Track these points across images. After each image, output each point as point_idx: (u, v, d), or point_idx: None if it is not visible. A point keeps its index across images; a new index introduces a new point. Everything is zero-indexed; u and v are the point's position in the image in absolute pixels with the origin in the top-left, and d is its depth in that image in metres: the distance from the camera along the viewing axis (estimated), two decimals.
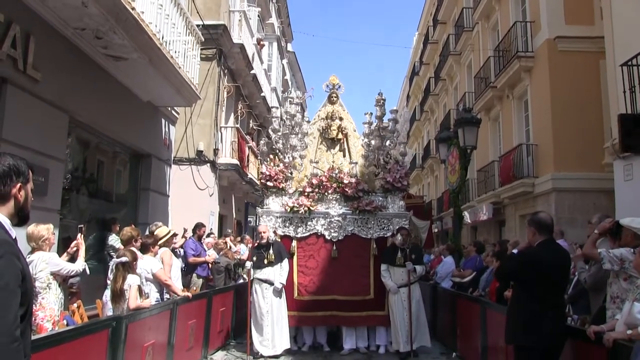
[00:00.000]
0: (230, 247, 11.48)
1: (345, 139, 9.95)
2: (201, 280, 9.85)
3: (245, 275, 9.81)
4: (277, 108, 10.57)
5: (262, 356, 7.92)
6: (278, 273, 8.15)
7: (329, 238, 8.81)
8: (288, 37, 30.18)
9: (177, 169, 13.41)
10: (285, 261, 8.29)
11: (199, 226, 10.39)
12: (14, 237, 2.16)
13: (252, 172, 17.35)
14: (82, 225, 6.23)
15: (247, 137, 17.06)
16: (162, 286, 6.60)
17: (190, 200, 13.31)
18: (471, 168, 17.51)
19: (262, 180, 9.11)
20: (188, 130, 14.05)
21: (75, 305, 6.37)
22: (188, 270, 9.76)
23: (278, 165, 9.08)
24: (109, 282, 5.91)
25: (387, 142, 9.37)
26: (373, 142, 9.39)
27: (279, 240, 8.64)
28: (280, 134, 9.42)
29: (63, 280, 5.41)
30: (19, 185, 2.18)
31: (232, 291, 9.25)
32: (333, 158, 9.78)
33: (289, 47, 30.97)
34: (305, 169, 9.55)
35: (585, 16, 14.50)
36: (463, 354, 7.99)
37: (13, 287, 1.98)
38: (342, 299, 8.51)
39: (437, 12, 30.06)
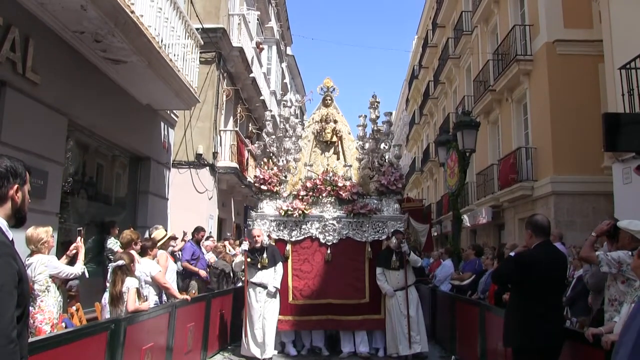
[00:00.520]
0: (229, 250, 11.48)
1: (339, 141, 9.89)
2: (196, 283, 9.84)
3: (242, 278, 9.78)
4: (270, 111, 10.58)
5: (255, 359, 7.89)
6: (272, 277, 8.13)
7: (323, 241, 8.79)
8: (287, 40, 30.22)
9: (177, 172, 13.42)
10: (279, 265, 8.26)
11: (198, 230, 10.38)
12: (11, 239, 2.16)
13: (252, 176, 17.34)
14: (81, 228, 6.23)
15: (247, 141, 17.07)
16: (161, 289, 6.60)
17: (189, 203, 13.31)
18: (470, 171, 17.54)
19: (256, 184, 9.10)
20: (187, 133, 14.06)
21: (74, 308, 6.38)
22: (186, 274, 9.77)
23: (272, 169, 9.07)
24: (107, 285, 5.91)
25: (382, 145, 9.35)
26: (367, 144, 9.39)
27: (274, 244, 8.62)
28: (274, 137, 9.41)
29: (62, 283, 5.41)
30: (16, 186, 2.18)
31: (230, 294, 9.24)
32: (327, 161, 9.74)
33: (289, 51, 31.00)
34: (299, 172, 9.52)
35: (584, 20, 14.54)
36: (462, 356, 7.98)
37: (9, 288, 1.98)
38: (338, 302, 8.49)
39: (436, 16, 30.12)
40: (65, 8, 6.51)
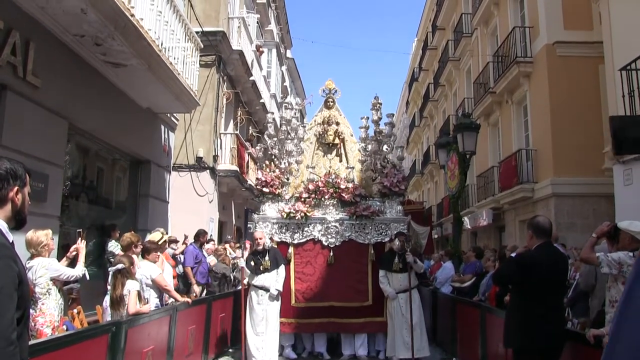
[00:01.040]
0: (230, 253, 11.48)
1: (342, 143, 9.84)
2: (200, 287, 9.84)
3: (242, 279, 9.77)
4: (272, 113, 10.55)
5: None
6: (274, 279, 8.07)
7: (326, 244, 8.72)
8: (287, 43, 30.26)
9: (177, 175, 13.44)
10: (282, 267, 8.20)
11: (201, 233, 10.39)
12: (11, 241, 2.16)
13: (252, 179, 17.34)
14: (80, 230, 6.19)
15: (247, 144, 17.08)
16: (162, 292, 6.60)
17: (189, 206, 13.32)
18: (471, 174, 17.54)
19: (258, 186, 9.04)
20: (187, 136, 14.08)
21: (75, 310, 6.37)
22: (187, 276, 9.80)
23: (274, 171, 9.01)
24: (109, 288, 5.90)
25: (384, 147, 9.29)
26: (370, 146, 9.32)
27: (276, 246, 8.55)
28: (276, 139, 9.34)
29: (63, 285, 5.41)
30: (16, 188, 2.19)
31: (231, 297, 9.23)
32: (330, 163, 9.69)
33: (288, 54, 31.04)
34: (301, 174, 9.46)
35: (584, 21, 14.55)
36: (463, 359, 7.97)
37: (9, 291, 1.98)
38: (340, 305, 8.41)
39: (436, 18, 30.17)
40: (65, 11, 6.53)
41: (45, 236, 5.16)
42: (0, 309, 1.93)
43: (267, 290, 8.01)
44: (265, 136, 9.71)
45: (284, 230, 8.81)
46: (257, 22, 19.29)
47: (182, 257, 10.68)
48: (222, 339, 8.59)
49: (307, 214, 8.73)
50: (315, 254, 8.72)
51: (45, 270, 5.06)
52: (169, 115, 11.74)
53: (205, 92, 14.03)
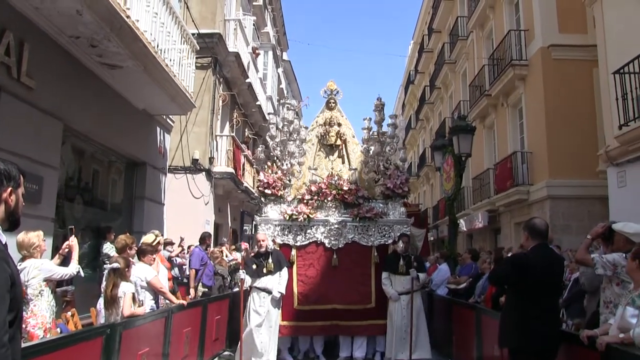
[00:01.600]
0: (226, 255, 11.47)
1: (344, 145, 9.80)
2: (206, 289, 9.89)
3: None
4: (274, 114, 10.49)
5: None
6: (277, 282, 8.00)
7: (329, 246, 8.64)
8: (283, 46, 30.28)
9: (173, 177, 13.41)
10: (285, 270, 8.13)
11: (207, 236, 10.44)
12: (4, 243, 2.15)
13: (248, 181, 17.34)
14: (72, 226, 6.02)
15: (243, 146, 17.06)
16: (157, 294, 6.57)
17: (185, 208, 13.29)
18: (466, 176, 17.56)
19: (260, 188, 8.95)
20: (183, 138, 14.06)
21: (69, 313, 6.35)
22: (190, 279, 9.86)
23: (276, 173, 8.93)
24: (104, 292, 5.87)
25: (387, 148, 9.21)
26: (372, 148, 9.24)
27: (278, 248, 8.49)
28: (278, 140, 9.26)
29: (56, 287, 5.37)
30: (9, 189, 2.17)
31: (227, 299, 9.20)
32: (332, 165, 9.64)
33: (285, 56, 31.05)
34: (303, 176, 9.39)
35: (578, 25, 14.61)
36: None
37: (2, 292, 1.97)
38: (343, 308, 8.36)
39: (432, 21, 30.23)
40: (60, 12, 6.51)
41: (37, 237, 5.12)
42: None
43: (269, 292, 7.95)
44: (267, 137, 9.62)
45: (286, 233, 8.74)
46: (254, 24, 19.29)
47: (177, 259, 10.70)
48: (217, 341, 8.55)
49: (310, 215, 8.66)
50: (318, 256, 8.66)
51: (38, 272, 5.02)
52: (164, 117, 11.72)
53: (201, 94, 14.01)
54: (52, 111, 7.16)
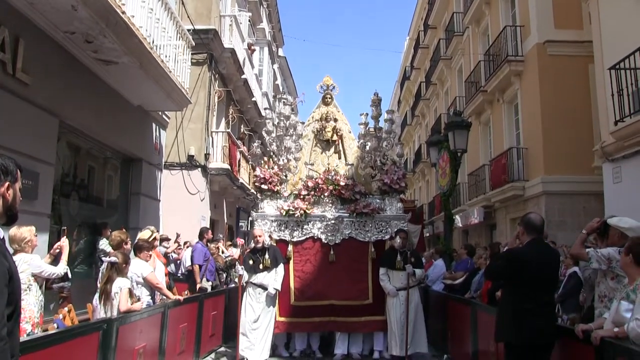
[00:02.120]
0: (222, 252, 11.48)
1: (340, 140, 9.75)
2: (210, 283, 9.93)
3: (237, 280, 9.79)
4: (270, 110, 10.44)
5: None
6: (273, 278, 8.01)
7: (325, 242, 8.63)
8: (279, 42, 30.22)
9: (168, 173, 13.39)
10: (281, 266, 8.13)
11: (205, 230, 10.42)
12: (1, 237, 2.15)
13: (243, 177, 17.33)
14: (65, 228, 6.13)
15: (238, 142, 17.05)
16: (153, 290, 6.59)
17: (181, 205, 13.28)
18: (462, 172, 17.61)
19: (256, 183, 8.91)
20: (179, 134, 14.04)
21: (65, 309, 6.34)
22: (190, 275, 9.90)
23: (272, 168, 8.91)
24: (99, 285, 5.88)
25: (384, 144, 9.19)
26: (369, 143, 9.22)
27: (275, 244, 8.48)
28: (274, 135, 9.23)
29: (44, 282, 5.35)
30: (7, 184, 2.17)
31: (223, 295, 9.21)
32: (328, 160, 9.60)
33: (280, 52, 31.00)
34: (300, 171, 9.36)
35: (574, 21, 14.64)
36: (454, 356, 8.00)
37: (0, 286, 1.98)
38: (340, 304, 8.33)
39: (427, 17, 30.23)
40: (55, 8, 6.48)
41: (29, 232, 5.12)
42: None
43: (265, 288, 7.95)
44: (264, 132, 9.56)
45: (283, 228, 8.72)
46: (249, 20, 19.26)
47: (174, 255, 10.71)
48: (214, 337, 8.56)
49: (307, 211, 8.63)
50: (314, 252, 8.65)
51: (26, 266, 5.01)
52: (160, 113, 11.70)
53: (196, 90, 13.99)
54: (48, 107, 7.14)
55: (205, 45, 14.04)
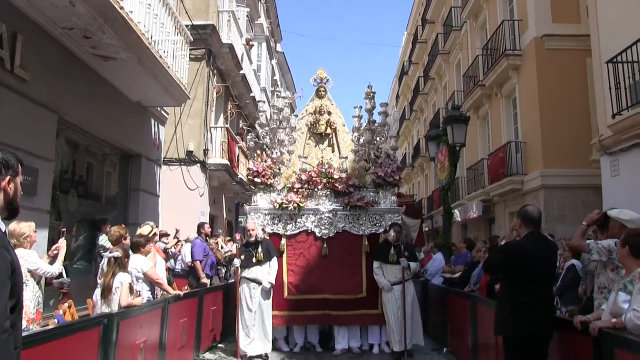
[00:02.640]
0: (221, 247, 11.50)
1: (334, 133, 9.69)
2: (209, 280, 9.96)
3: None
4: (264, 102, 10.40)
5: (249, 357, 7.79)
6: (267, 272, 7.98)
7: (319, 235, 8.60)
8: (277, 37, 30.18)
9: (167, 169, 13.40)
10: (274, 260, 8.11)
11: (201, 225, 10.42)
12: (4, 231, 2.17)
13: (242, 172, 17.33)
14: (64, 229, 6.19)
15: (237, 137, 17.05)
16: (153, 285, 6.60)
17: (180, 200, 13.30)
18: (461, 166, 17.61)
19: (249, 177, 8.88)
20: (178, 130, 14.04)
21: (66, 304, 6.36)
22: (190, 271, 9.92)
23: (266, 161, 8.87)
24: (99, 281, 5.90)
25: (378, 137, 9.16)
26: (363, 136, 9.18)
27: (268, 238, 8.45)
28: (267, 128, 9.18)
29: (40, 279, 5.37)
30: (8, 178, 2.19)
31: (222, 290, 9.22)
32: (322, 153, 9.55)
33: (278, 48, 30.96)
34: (293, 164, 9.31)
35: (571, 14, 14.65)
36: (454, 349, 8.03)
37: (2, 278, 2.00)
38: (334, 297, 8.32)
39: (425, 12, 30.19)
40: (53, 4, 6.48)
41: (28, 228, 5.13)
42: None
43: (259, 283, 7.94)
44: (257, 125, 9.53)
45: (276, 222, 8.68)
46: (247, 16, 19.23)
47: (173, 250, 10.73)
48: (214, 332, 8.58)
49: (300, 204, 8.60)
50: (308, 246, 8.62)
51: (23, 261, 5.02)
52: (159, 108, 11.70)
53: (195, 86, 13.98)
54: (47, 103, 7.14)
55: (204, 41, 14.02)
